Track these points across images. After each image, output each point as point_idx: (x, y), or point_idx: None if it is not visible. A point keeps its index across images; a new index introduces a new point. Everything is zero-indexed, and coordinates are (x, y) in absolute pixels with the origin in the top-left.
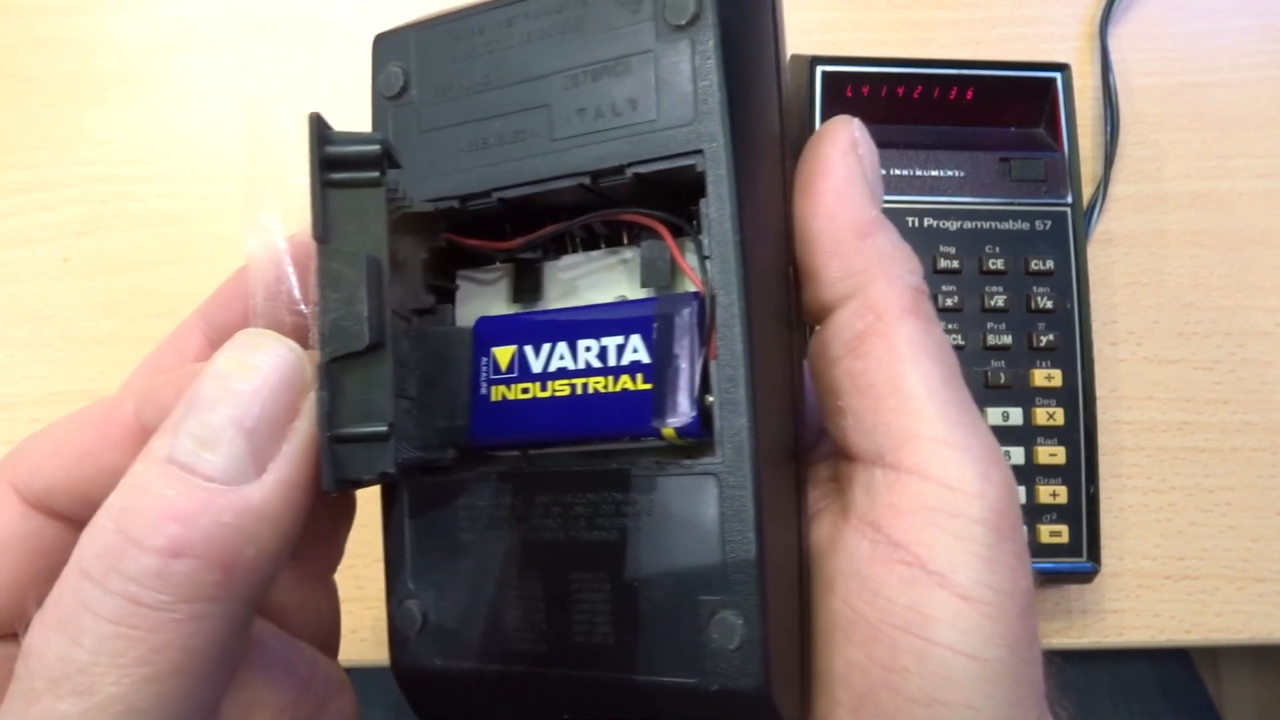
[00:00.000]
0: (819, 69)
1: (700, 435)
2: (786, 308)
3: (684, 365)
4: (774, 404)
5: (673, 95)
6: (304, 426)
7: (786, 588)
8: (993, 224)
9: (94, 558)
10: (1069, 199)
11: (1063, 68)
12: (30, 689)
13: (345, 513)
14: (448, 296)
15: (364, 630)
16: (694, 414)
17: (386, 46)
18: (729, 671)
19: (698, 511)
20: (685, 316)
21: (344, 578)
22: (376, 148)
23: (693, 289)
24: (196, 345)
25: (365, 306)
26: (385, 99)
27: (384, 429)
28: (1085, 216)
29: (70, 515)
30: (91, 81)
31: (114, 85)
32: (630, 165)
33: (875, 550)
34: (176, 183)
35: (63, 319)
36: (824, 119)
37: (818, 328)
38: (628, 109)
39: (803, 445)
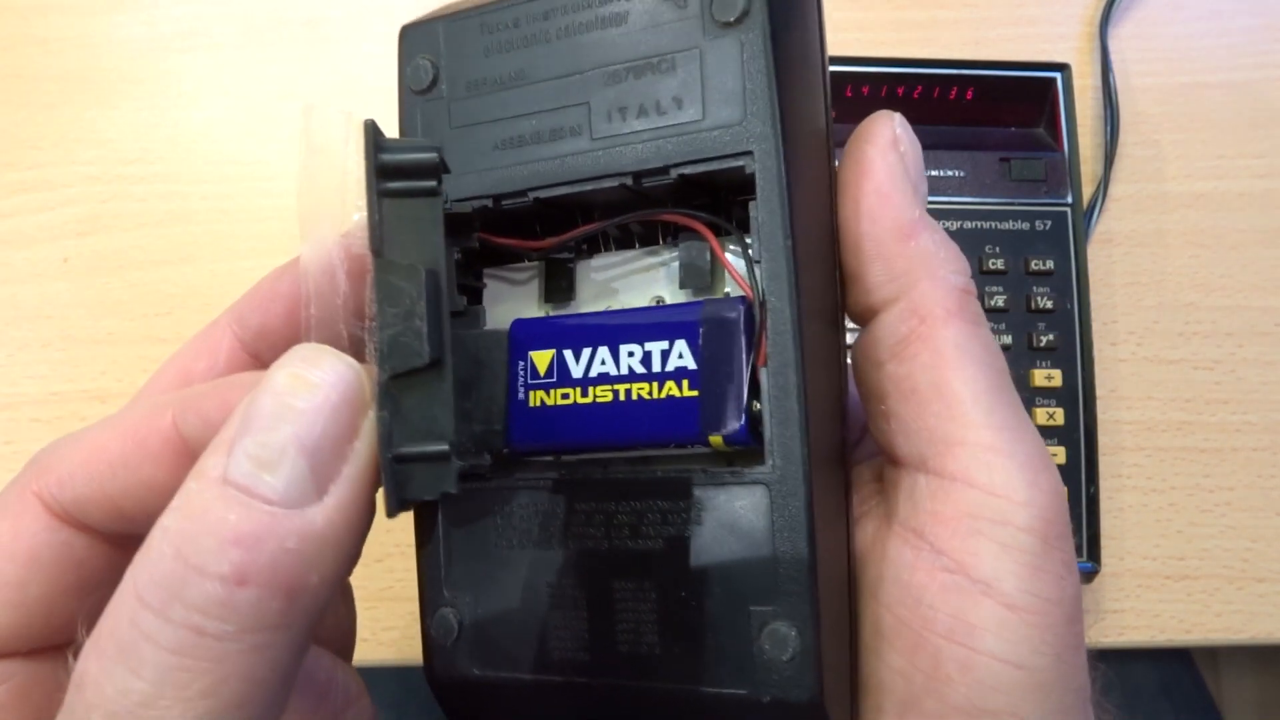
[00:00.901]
0: None
1: (749, 443)
2: (834, 311)
3: (733, 371)
4: (823, 410)
5: (720, 94)
6: (363, 447)
7: (837, 596)
8: (993, 224)
9: (153, 585)
10: (1069, 199)
11: (1063, 68)
12: None
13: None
14: (476, 296)
15: (364, 630)
16: (743, 422)
17: (415, 38)
18: (782, 683)
19: (748, 521)
20: (734, 321)
21: None
22: (433, 156)
23: (733, 291)
24: (229, 348)
25: (425, 322)
26: (414, 93)
27: (445, 448)
28: (1085, 216)
29: (100, 528)
30: (91, 81)
31: (114, 85)
32: (676, 166)
33: (919, 557)
34: (176, 183)
35: (63, 319)
36: None
37: (862, 329)
38: (672, 107)
39: (848, 448)
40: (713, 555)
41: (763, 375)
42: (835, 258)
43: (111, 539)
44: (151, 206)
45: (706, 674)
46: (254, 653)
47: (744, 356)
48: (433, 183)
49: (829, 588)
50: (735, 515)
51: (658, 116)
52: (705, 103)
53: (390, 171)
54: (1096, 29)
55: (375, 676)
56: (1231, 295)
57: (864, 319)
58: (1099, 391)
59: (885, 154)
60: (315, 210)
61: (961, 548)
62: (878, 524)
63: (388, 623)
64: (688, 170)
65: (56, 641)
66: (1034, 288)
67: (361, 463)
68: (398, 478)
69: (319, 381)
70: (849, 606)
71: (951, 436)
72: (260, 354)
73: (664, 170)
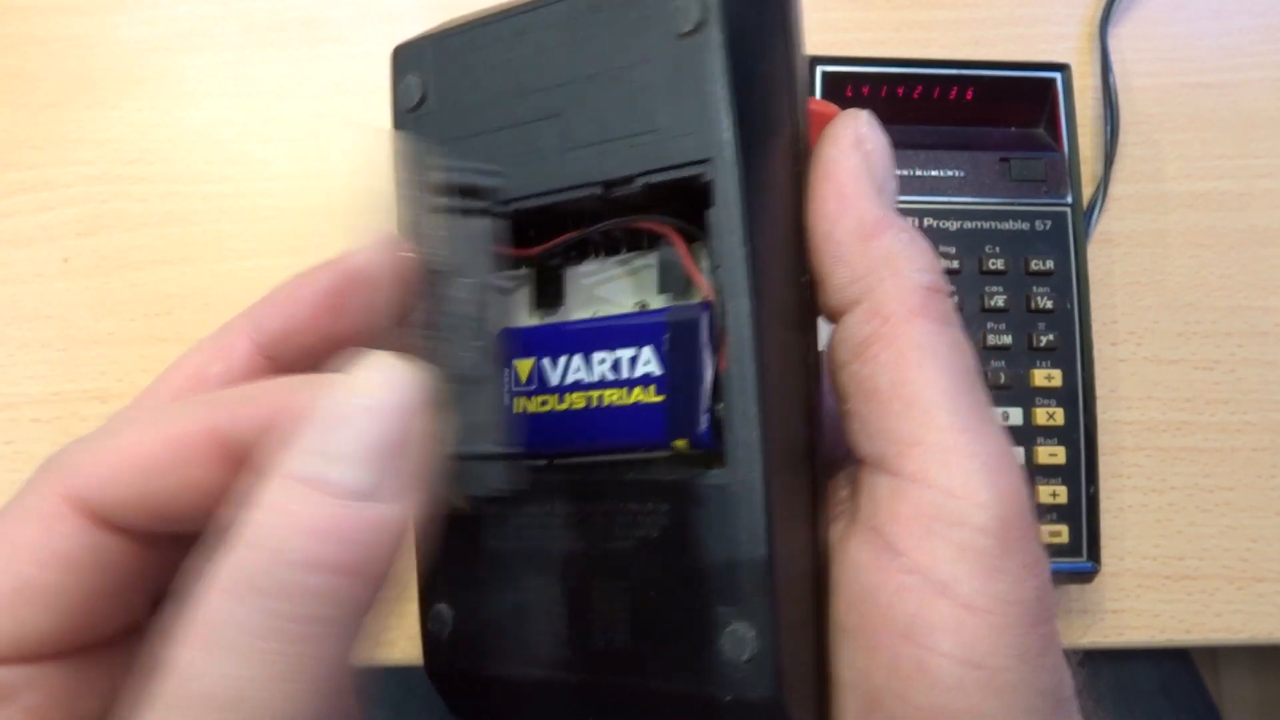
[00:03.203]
0: (819, 69)
1: (713, 447)
2: (802, 313)
3: (696, 376)
4: (787, 412)
5: (680, 103)
6: (424, 447)
7: (801, 596)
8: (993, 224)
9: (245, 577)
10: (1069, 199)
11: (1063, 68)
12: (178, 707)
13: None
14: None
15: None
16: (706, 426)
17: (405, 58)
18: (741, 683)
19: (710, 523)
20: (696, 326)
21: None
22: (492, 177)
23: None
24: (244, 352)
25: (482, 334)
26: (404, 110)
27: (499, 449)
28: (1085, 216)
29: (135, 530)
30: (91, 81)
31: (114, 85)
32: (639, 175)
33: (877, 557)
34: (176, 183)
35: (63, 319)
36: None
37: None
38: (638, 117)
39: (820, 449)
40: (679, 557)
41: (723, 378)
42: (805, 260)
43: (142, 539)
44: (151, 206)
45: (674, 673)
46: (342, 639)
47: (707, 361)
48: (489, 201)
49: (792, 588)
50: (699, 517)
51: (624, 126)
52: (667, 112)
53: (453, 190)
54: (1096, 29)
55: (375, 676)
56: (1231, 295)
57: (833, 320)
58: (1099, 391)
59: (848, 154)
60: (370, 223)
61: (918, 548)
62: (846, 523)
63: (388, 623)
64: (651, 179)
65: (88, 643)
66: (1034, 288)
67: (422, 462)
68: (462, 476)
69: (388, 384)
70: (817, 605)
71: (910, 436)
72: (279, 358)
73: (629, 180)
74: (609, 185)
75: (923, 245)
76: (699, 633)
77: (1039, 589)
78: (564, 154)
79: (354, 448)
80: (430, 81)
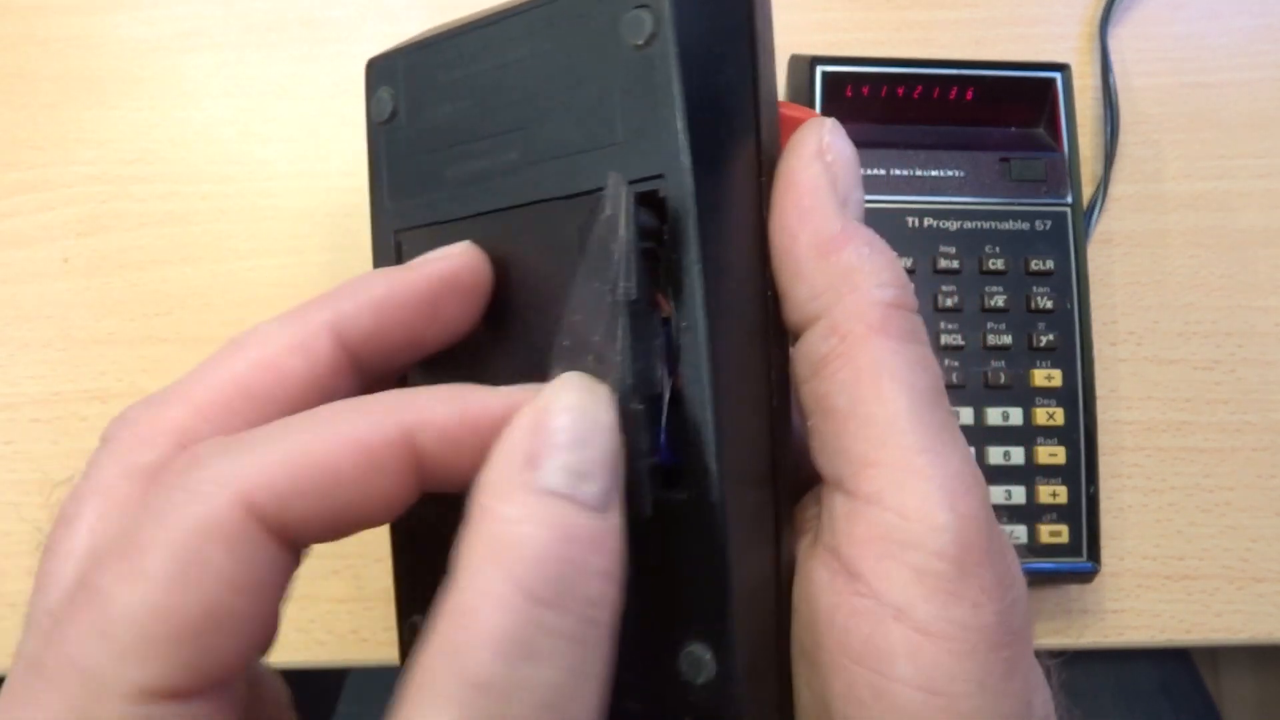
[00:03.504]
0: (819, 69)
1: (671, 463)
2: (765, 328)
3: (653, 394)
4: (748, 430)
5: (637, 116)
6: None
7: (762, 617)
8: (993, 224)
9: (546, 585)
10: (1069, 199)
11: (1063, 68)
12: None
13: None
14: None
15: (364, 630)
16: (663, 442)
17: (377, 72)
18: (699, 705)
19: (670, 543)
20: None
21: (344, 578)
22: (658, 222)
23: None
24: (327, 349)
25: (659, 359)
26: (378, 124)
27: (660, 460)
28: (1085, 216)
29: (306, 541)
30: (91, 81)
31: (114, 85)
32: (597, 190)
33: (834, 579)
34: (176, 183)
35: (63, 319)
36: None
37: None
38: (597, 131)
39: (787, 465)
40: (638, 576)
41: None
42: (768, 275)
43: (295, 548)
44: (151, 206)
45: (634, 695)
46: (612, 639)
47: (664, 378)
48: (654, 243)
49: (753, 609)
50: (660, 537)
51: (583, 140)
52: (623, 126)
53: (641, 232)
54: (1096, 29)
55: (375, 676)
56: (1231, 295)
57: (795, 335)
58: (1099, 391)
59: (808, 166)
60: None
61: (874, 571)
62: (809, 542)
63: (387, 622)
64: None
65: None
66: (1034, 288)
67: (623, 473)
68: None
69: (601, 401)
70: (780, 628)
71: (867, 457)
72: (361, 359)
73: (588, 194)
74: (569, 199)
75: (885, 259)
76: (658, 654)
77: (1000, 612)
78: (526, 168)
79: (596, 465)
80: (401, 95)
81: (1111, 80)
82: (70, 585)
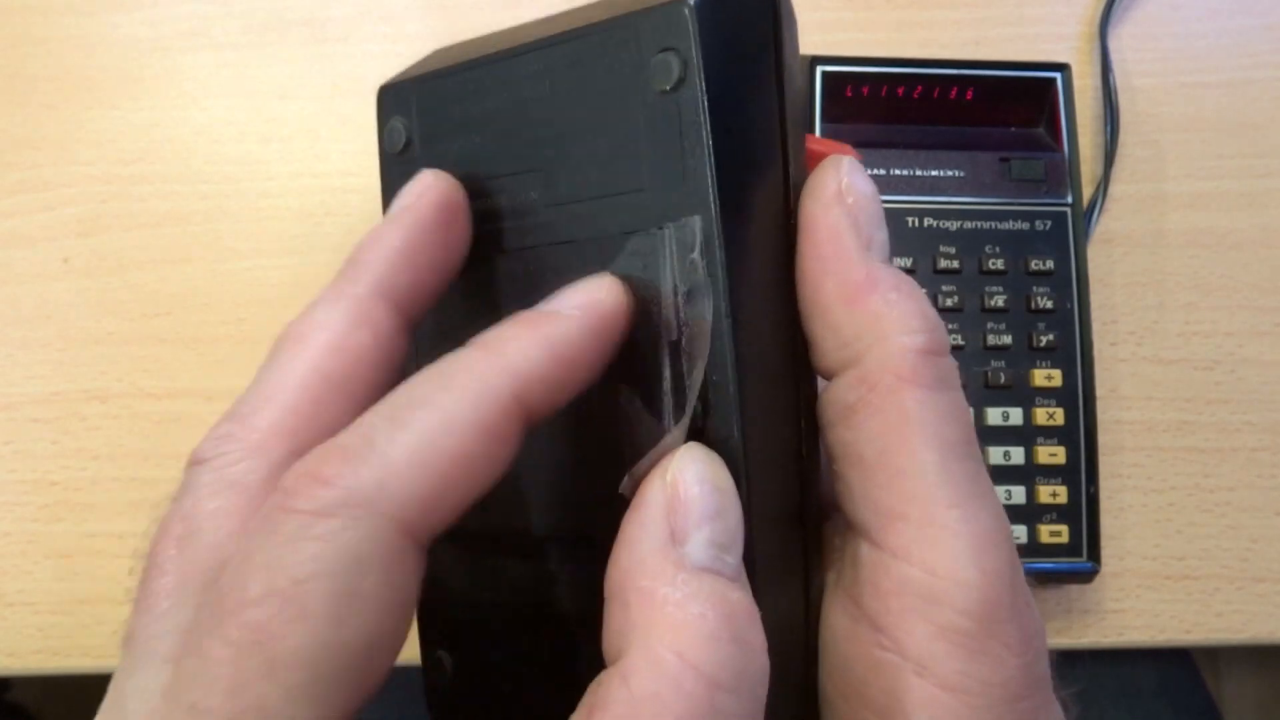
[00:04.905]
0: (819, 69)
1: None
2: (795, 375)
3: None
4: (776, 480)
5: (661, 163)
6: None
7: (787, 655)
8: (993, 224)
9: (724, 669)
10: (1069, 199)
11: (1063, 68)
12: None
13: None
14: None
15: None
16: None
17: (390, 100)
18: None
19: None
20: None
21: None
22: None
23: None
24: (386, 316)
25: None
26: (392, 154)
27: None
28: (1085, 216)
29: (437, 534)
30: (91, 81)
31: (114, 85)
32: (621, 235)
33: (855, 628)
34: (176, 183)
35: (63, 319)
36: (824, 119)
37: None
38: (620, 175)
39: (815, 501)
40: None
41: None
42: (798, 318)
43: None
44: (151, 206)
45: None
46: (760, 711)
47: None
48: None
49: (778, 648)
50: None
51: (605, 184)
52: (648, 172)
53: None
54: (1096, 29)
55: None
56: (1231, 295)
57: (826, 378)
58: (1099, 391)
59: (828, 210)
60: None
61: (897, 625)
62: (832, 580)
63: None
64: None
65: None
66: (1034, 288)
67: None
68: None
69: (725, 470)
70: (808, 667)
71: (894, 510)
72: (413, 312)
73: (613, 238)
74: (591, 243)
75: (913, 303)
76: None
77: (1023, 666)
78: (546, 209)
79: (733, 535)
80: (415, 126)
81: (1111, 80)
82: (191, 616)
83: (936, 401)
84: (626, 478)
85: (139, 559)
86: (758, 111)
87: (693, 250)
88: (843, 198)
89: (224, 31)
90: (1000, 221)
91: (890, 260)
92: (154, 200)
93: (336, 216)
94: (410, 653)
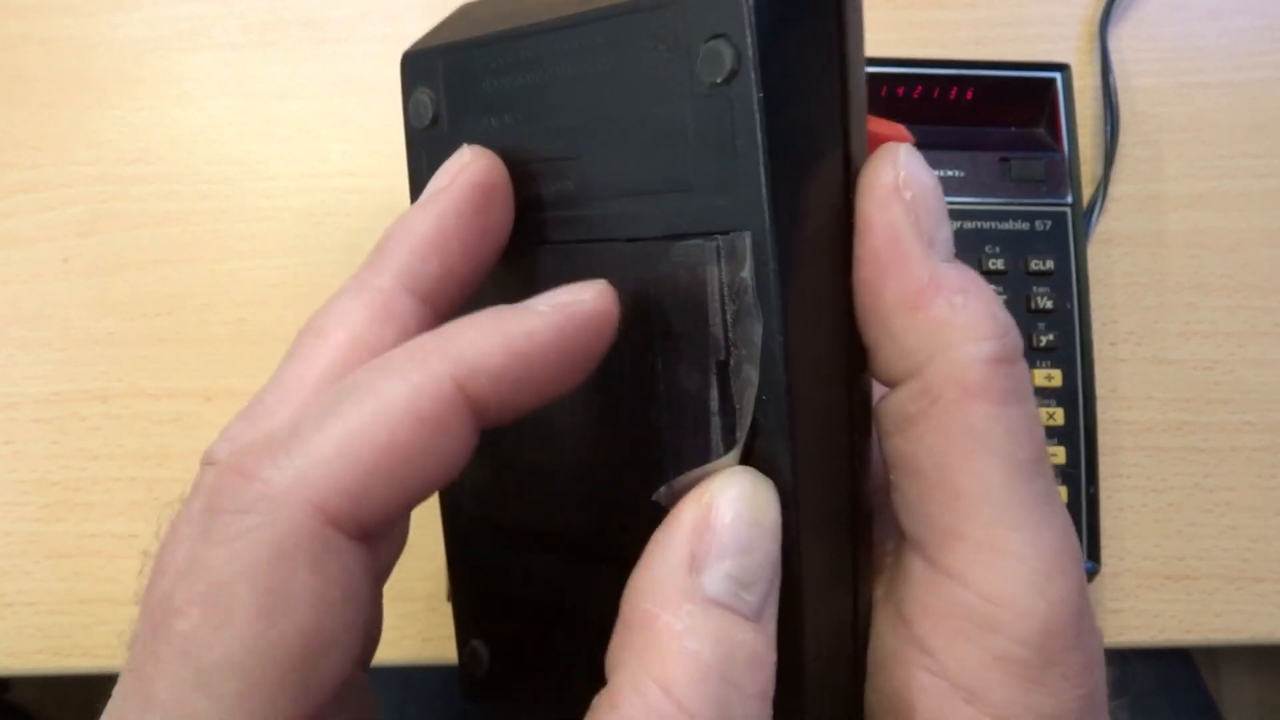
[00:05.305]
0: None
1: None
2: (850, 387)
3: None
4: (826, 489)
5: (710, 163)
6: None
7: (835, 672)
8: (993, 224)
9: (710, 708)
10: (1069, 199)
11: (1063, 68)
12: None
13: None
14: None
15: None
16: None
17: (415, 69)
18: None
19: None
20: None
21: None
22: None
23: None
24: (410, 308)
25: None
26: (418, 129)
27: None
28: (1085, 216)
29: (379, 529)
30: (91, 81)
31: (114, 85)
32: (665, 238)
33: (904, 649)
34: (176, 183)
35: (63, 319)
36: None
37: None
38: (663, 172)
39: (865, 505)
40: None
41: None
42: (854, 326)
43: (372, 538)
44: (151, 206)
45: None
46: None
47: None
48: (735, 306)
49: (824, 663)
50: None
51: (648, 180)
52: (695, 169)
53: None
54: (1096, 29)
55: (376, 676)
56: (1231, 295)
57: (886, 386)
58: (1099, 391)
59: (886, 208)
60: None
61: (947, 649)
62: (882, 593)
63: (389, 622)
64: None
65: None
66: (1034, 288)
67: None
68: None
69: (770, 502)
70: (856, 676)
71: (953, 529)
72: (441, 308)
73: (656, 239)
74: (635, 243)
75: (982, 306)
76: None
77: (1083, 696)
78: (584, 202)
79: (758, 572)
80: (441, 100)
81: (1111, 80)
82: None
83: (1006, 416)
84: (664, 488)
85: (148, 559)
86: (818, 106)
87: (742, 269)
88: (900, 193)
89: (224, 31)
90: (1000, 222)
91: (954, 257)
92: (154, 200)
93: (336, 216)
94: (401, 654)
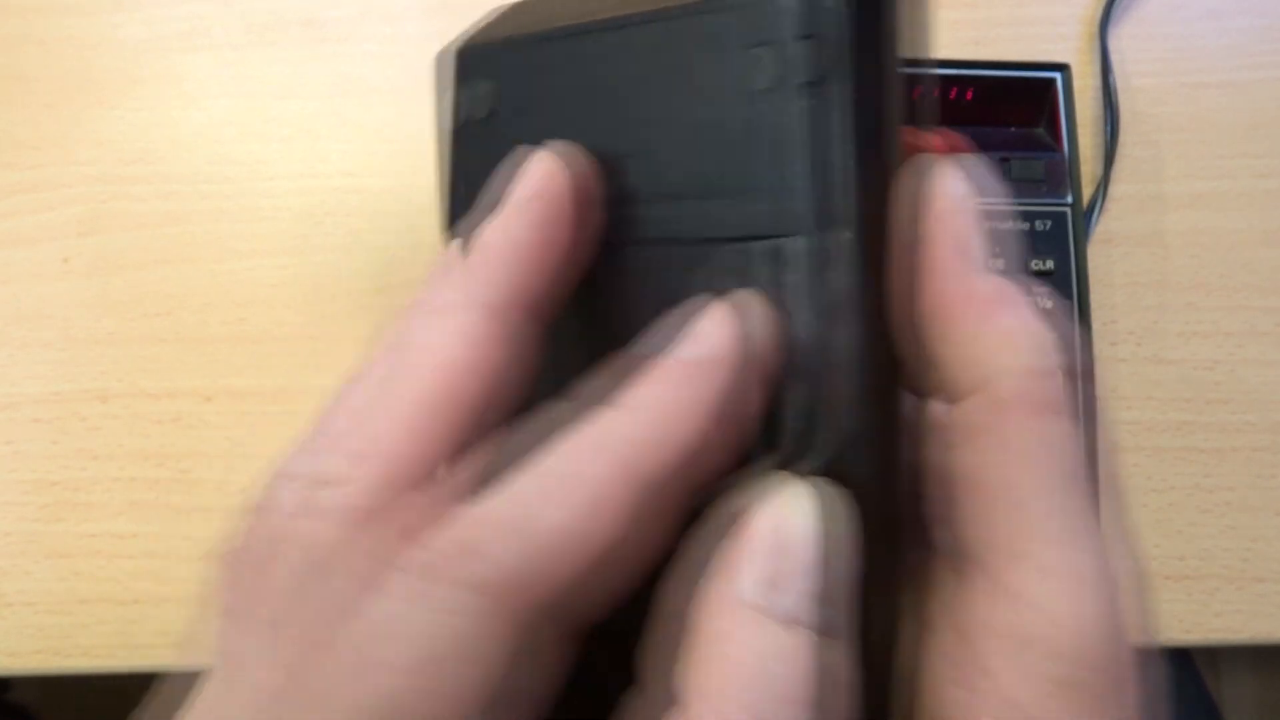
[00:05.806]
0: None
1: None
2: (899, 383)
3: None
4: (884, 500)
5: (790, 167)
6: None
7: (879, 685)
8: (992, 224)
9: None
10: (1069, 199)
11: (1063, 68)
12: None
13: None
14: None
15: None
16: None
17: (474, 62)
18: None
19: None
20: None
21: None
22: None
23: None
24: (524, 329)
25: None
26: (473, 121)
27: None
28: (1085, 216)
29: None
30: (91, 81)
31: (114, 85)
32: (741, 240)
33: (959, 669)
34: (176, 183)
35: (63, 319)
36: None
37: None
38: (738, 174)
39: (912, 525)
40: None
41: None
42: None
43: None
44: (151, 206)
45: None
46: None
47: None
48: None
49: (869, 676)
50: None
51: (720, 181)
52: (775, 174)
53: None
54: (1096, 29)
55: None
56: (1231, 295)
57: (947, 400)
58: (1099, 391)
59: (954, 219)
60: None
61: (1003, 669)
62: (932, 608)
63: None
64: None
65: None
66: (1034, 288)
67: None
68: None
69: (845, 515)
70: (897, 696)
71: (1014, 546)
72: (546, 320)
73: (729, 242)
74: (708, 245)
75: (1040, 320)
76: None
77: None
78: (651, 202)
79: (837, 589)
80: (503, 94)
81: (1111, 80)
82: (295, 652)
83: (1057, 429)
84: (721, 498)
85: (216, 563)
86: (890, 110)
87: (822, 271)
88: (963, 204)
89: (224, 31)
90: (1000, 222)
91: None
92: (154, 200)
93: (336, 216)
94: None
